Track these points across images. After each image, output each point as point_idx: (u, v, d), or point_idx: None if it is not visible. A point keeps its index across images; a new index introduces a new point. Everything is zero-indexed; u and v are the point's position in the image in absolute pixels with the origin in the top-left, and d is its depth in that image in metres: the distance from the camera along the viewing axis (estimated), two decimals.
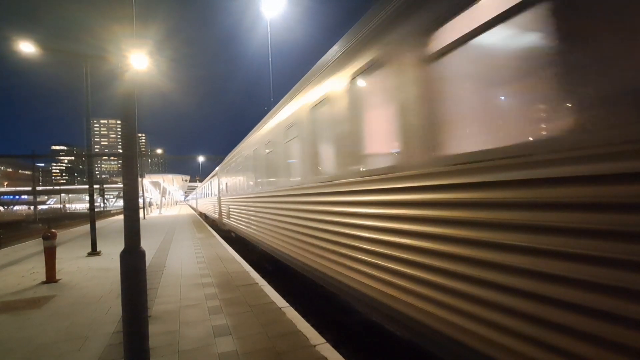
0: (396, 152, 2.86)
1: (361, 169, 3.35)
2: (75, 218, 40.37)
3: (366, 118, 3.41)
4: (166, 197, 52.32)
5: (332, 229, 3.95)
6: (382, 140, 3.22)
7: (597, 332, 1.42)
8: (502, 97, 2.14)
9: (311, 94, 4.58)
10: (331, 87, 3.95)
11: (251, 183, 8.38)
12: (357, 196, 3.38)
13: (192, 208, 48.30)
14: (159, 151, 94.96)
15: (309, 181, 4.64)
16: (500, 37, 1.95)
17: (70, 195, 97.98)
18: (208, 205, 22.83)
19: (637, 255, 1.30)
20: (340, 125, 3.76)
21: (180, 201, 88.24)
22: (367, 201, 3.21)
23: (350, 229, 3.54)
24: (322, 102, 4.20)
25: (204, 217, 26.45)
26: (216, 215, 16.97)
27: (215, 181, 17.67)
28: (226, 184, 13.22)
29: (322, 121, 4.30)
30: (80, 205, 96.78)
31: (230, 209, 11.90)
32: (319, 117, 4.38)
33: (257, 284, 5.74)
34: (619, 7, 1.40)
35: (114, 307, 4.73)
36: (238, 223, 10.32)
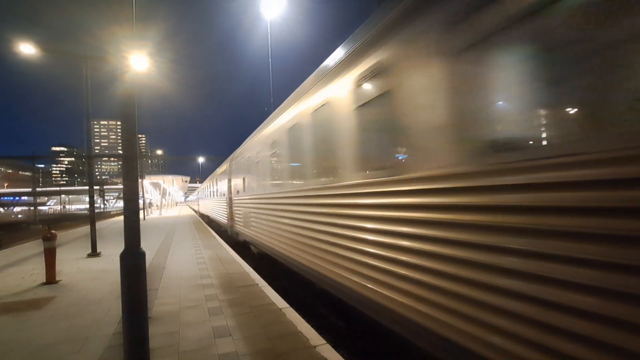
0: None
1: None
2: (75, 219, 40.34)
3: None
4: (166, 198, 52.32)
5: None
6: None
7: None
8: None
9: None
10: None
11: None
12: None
13: (194, 210, 48.70)
14: (159, 152, 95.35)
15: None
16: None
17: (70, 196, 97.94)
18: (213, 207, 18.02)
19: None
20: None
21: (181, 202, 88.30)
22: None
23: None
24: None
25: (207, 219, 23.20)
26: (225, 220, 13.14)
27: (223, 178, 13.65)
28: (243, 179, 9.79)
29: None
30: (81, 207, 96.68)
31: (242, 212, 9.34)
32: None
33: (258, 284, 5.73)
34: None
35: (114, 308, 4.72)
36: (260, 234, 7.32)
